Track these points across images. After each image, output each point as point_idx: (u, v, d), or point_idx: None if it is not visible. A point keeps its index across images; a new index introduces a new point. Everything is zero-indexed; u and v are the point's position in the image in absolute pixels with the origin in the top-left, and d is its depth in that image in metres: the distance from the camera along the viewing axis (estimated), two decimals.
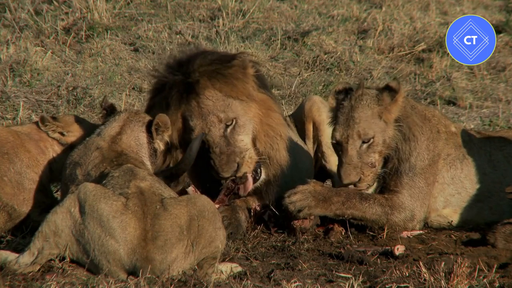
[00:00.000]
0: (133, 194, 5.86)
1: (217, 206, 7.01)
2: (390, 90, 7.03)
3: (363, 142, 6.97)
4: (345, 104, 7.01)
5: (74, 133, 6.94)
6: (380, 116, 7.00)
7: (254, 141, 7.13)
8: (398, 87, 7.03)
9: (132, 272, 5.74)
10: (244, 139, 7.05)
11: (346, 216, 7.00)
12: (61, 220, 5.82)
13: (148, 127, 6.68)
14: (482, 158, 7.30)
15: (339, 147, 7.01)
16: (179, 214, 5.85)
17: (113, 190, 5.90)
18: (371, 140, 6.98)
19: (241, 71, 7.08)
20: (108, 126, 6.59)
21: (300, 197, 6.95)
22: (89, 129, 6.96)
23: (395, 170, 7.08)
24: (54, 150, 6.91)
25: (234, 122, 7.03)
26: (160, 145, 6.73)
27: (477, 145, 7.34)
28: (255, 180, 7.12)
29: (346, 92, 7.09)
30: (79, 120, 7.05)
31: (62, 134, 6.94)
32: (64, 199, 5.89)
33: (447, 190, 7.23)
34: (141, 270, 5.71)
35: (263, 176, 7.17)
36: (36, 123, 6.95)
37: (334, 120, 7.08)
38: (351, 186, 7.01)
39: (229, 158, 6.96)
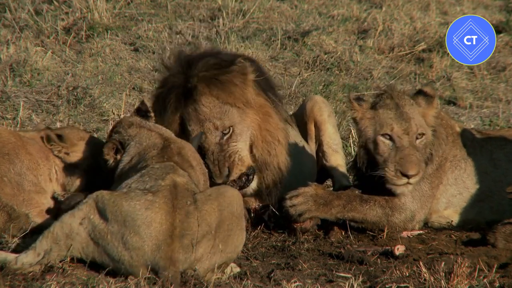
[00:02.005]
0: (165, 187, 5.79)
1: None
2: (425, 95, 6.99)
3: (417, 138, 6.90)
4: (387, 102, 6.95)
5: (78, 153, 6.85)
6: (423, 116, 6.97)
7: (251, 147, 7.12)
8: (433, 92, 7.00)
9: (153, 269, 5.69)
10: (237, 145, 7.05)
11: (346, 218, 6.99)
12: (78, 224, 5.75)
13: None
14: (484, 157, 7.30)
15: (391, 141, 6.87)
16: (210, 210, 5.80)
17: (148, 179, 5.83)
18: (423, 137, 6.93)
19: (240, 77, 7.06)
20: (147, 138, 6.44)
21: (301, 201, 6.94)
22: (94, 146, 6.84)
23: None
24: (55, 163, 6.85)
25: (230, 131, 7.03)
26: None
27: (479, 144, 7.33)
28: (244, 186, 7.10)
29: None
30: (84, 138, 6.91)
31: (66, 154, 6.85)
32: (81, 204, 5.80)
33: (450, 191, 7.21)
34: (162, 271, 5.65)
35: (254, 184, 7.14)
36: (42, 138, 6.85)
37: (376, 118, 6.95)
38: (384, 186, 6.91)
39: (220, 164, 6.98)
